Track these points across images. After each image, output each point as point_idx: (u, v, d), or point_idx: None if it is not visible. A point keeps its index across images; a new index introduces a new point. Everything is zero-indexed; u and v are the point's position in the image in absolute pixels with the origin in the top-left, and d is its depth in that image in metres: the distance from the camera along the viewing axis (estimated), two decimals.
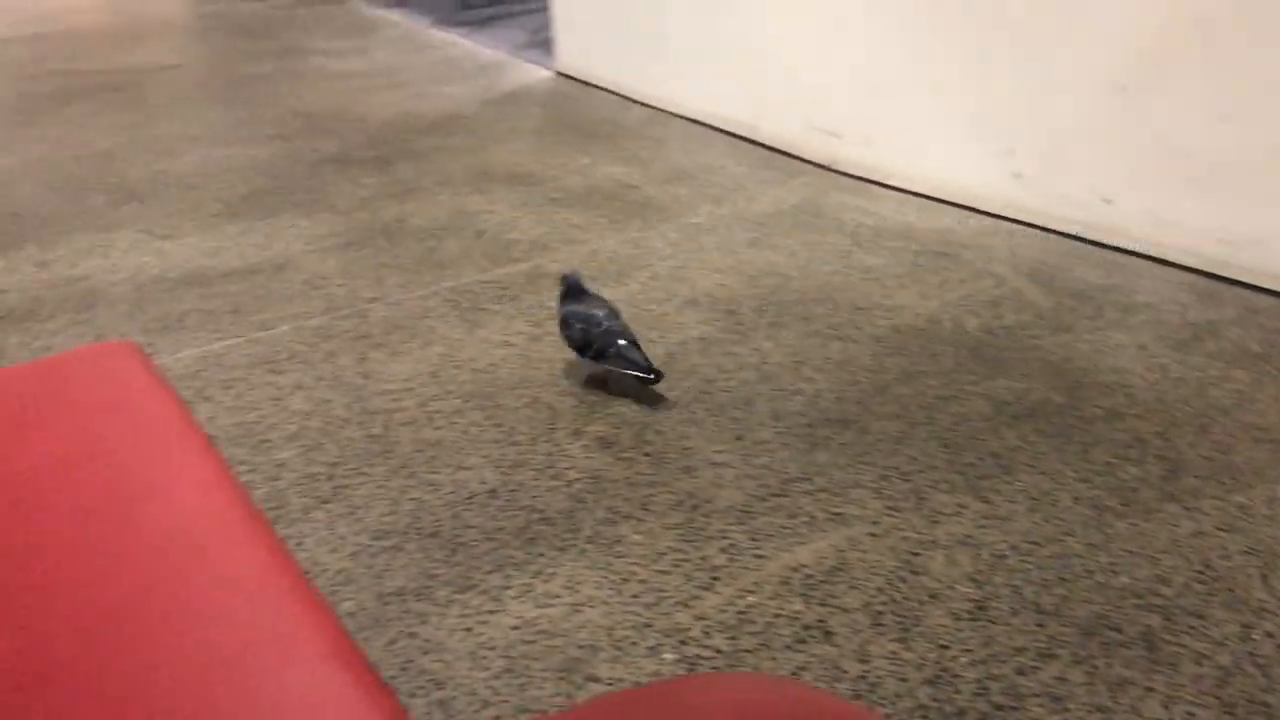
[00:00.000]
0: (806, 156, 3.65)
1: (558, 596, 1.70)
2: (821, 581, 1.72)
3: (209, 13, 6.59)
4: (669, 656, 1.58)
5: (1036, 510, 1.89)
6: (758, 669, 1.58)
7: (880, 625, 1.63)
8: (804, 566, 1.76)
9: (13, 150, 3.98)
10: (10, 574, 1.04)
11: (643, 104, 4.35)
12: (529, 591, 1.71)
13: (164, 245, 3.08)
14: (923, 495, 1.93)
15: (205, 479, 1.20)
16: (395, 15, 6.17)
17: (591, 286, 2.45)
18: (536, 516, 1.89)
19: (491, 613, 1.67)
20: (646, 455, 2.06)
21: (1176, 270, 2.77)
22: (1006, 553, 1.78)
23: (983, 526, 1.85)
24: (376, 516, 1.90)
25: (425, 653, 1.60)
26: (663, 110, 4.25)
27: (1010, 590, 1.70)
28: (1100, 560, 1.76)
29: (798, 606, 1.67)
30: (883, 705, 1.50)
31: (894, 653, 1.58)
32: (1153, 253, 2.84)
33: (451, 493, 1.96)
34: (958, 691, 1.51)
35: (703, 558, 1.78)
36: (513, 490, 1.97)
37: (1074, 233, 2.98)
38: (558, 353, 2.41)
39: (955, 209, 3.20)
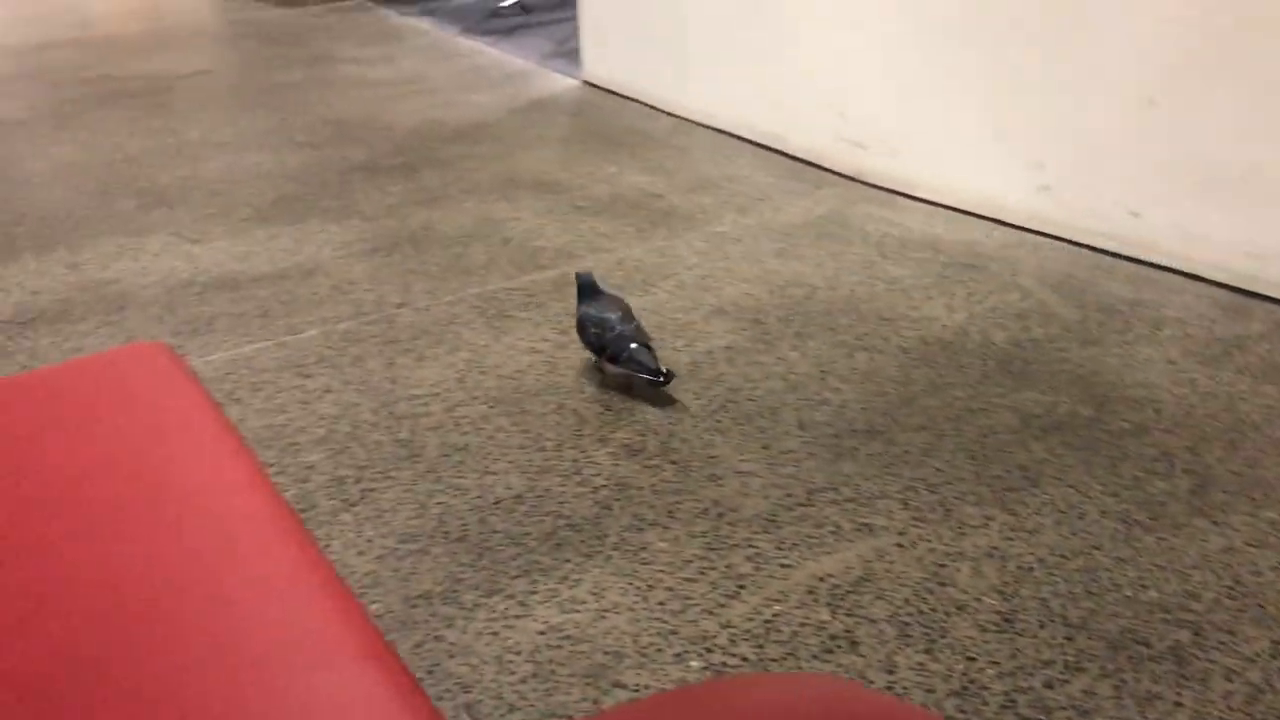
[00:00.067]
0: (833, 167, 3.66)
1: (584, 602, 1.70)
2: (848, 592, 1.72)
3: (240, 20, 6.65)
4: (695, 664, 1.58)
5: (1064, 523, 1.88)
6: None
7: (907, 636, 1.63)
8: (830, 576, 1.76)
9: (45, 154, 4.02)
10: (44, 573, 1.05)
11: (669, 113, 4.36)
12: (555, 597, 1.72)
13: (194, 249, 3.11)
14: (949, 507, 1.93)
15: (239, 479, 1.21)
16: (424, 23, 6.21)
17: (605, 285, 2.48)
18: (563, 522, 1.90)
19: (518, 617, 1.68)
20: (672, 463, 2.07)
21: (1205, 285, 2.76)
22: (1034, 565, 1.78)
23: (1010, 539, 1.84)
24: (403, 520, 1.91)
25: (452, 656, 1.60)
26: (689, 120, 4.26)
27: (1038, 603, 1.70)
28: (1128, 574, 1.75)
29: (824, 616, 1.67)
30: None
31: (920, 664, 1.58)
32: (1181, 267, 2.83)
33: (478, 497, 1.97)
34: (985, 704, 1.51)
35: (728, 566, 1.78)
36: (539, 496, 1.97)
37: (1102, 246, 2.97)
38: (584, 360, 2.42)
39: (982, 221, 3.20)
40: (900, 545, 1.83)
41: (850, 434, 2.15)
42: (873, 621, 1.66)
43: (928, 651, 1.60)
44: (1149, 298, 2.70)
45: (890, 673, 1.56)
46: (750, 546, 1.83)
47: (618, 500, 1.96)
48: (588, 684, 1.54)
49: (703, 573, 1.77)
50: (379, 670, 0.95)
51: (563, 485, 2.00)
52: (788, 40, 3.73)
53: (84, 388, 1.43)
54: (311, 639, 0.98)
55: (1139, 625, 1.65)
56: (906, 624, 1.66)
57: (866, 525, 1.88)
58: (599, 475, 2.03)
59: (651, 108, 4.45)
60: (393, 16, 6.47)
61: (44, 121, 4.49)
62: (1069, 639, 1.62)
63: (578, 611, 1.69)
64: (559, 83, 4.90)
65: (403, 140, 4.10)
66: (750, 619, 1.67)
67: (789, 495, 1.96)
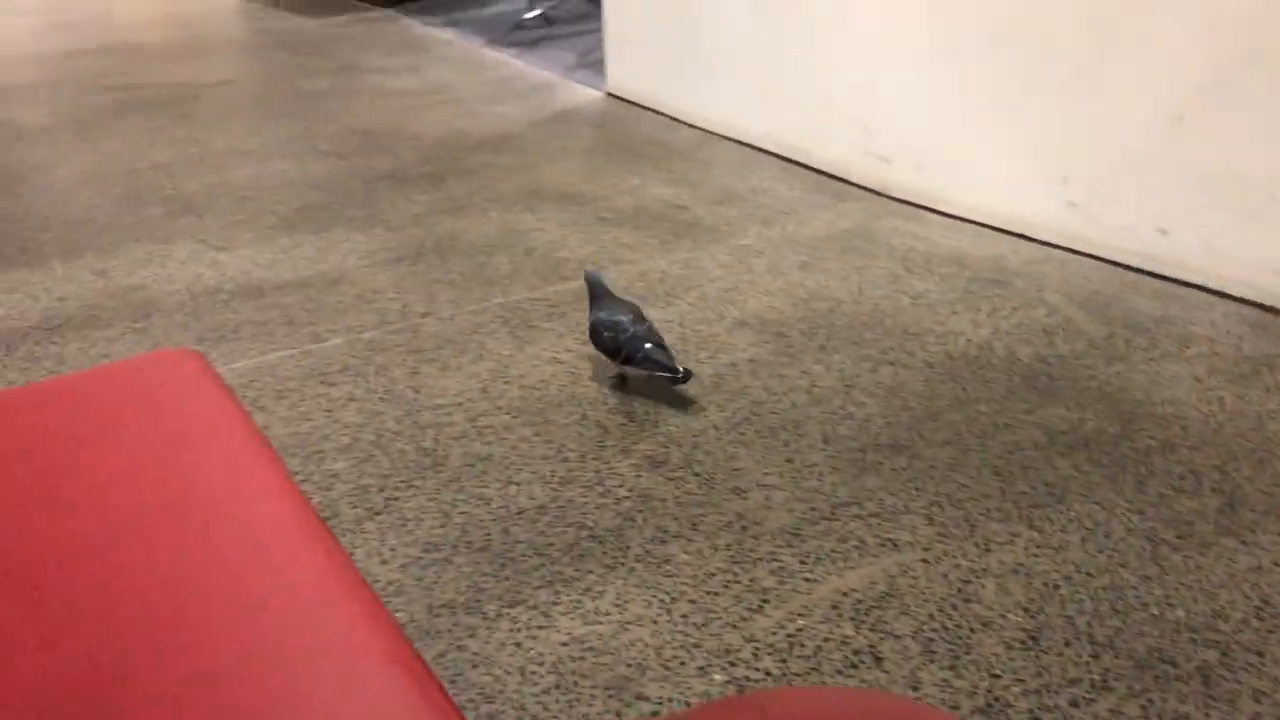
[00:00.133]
0: (857, 181, 3.65)
1: (607, 614, 1.70)
2: (872, 607, 1.71)
3: (266, 29, 6.69)
4: (718, 678, 1.58)
5: (1090, 541, 1.87)
6: None
7: (931, 652, 1.62)
8: (854, 591, 1.75)
9: (73, 161, 4.05)
10: (74, 578, 1.06)
11: (692, 126, 4.36)
12: (578, 608, 1.71)
13: (219, 256, 3.13)
14: (974, 522, 1.92)
15: (268, 486, 1.22)
16: (448, 34, 6.24)
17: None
18: (585, 534, 1.90)
19: (540, 628, 1.67)
20: (696, 475, 2.06)
21: (1233, 302, 2.74)
22: (1059, 582, 1.77)
23: (1035, 555, 1.83)
24: (427, 529, 1.91)
25: (475, 666, 1.60)
26: (713, 133, 4.26)
27: (1063, 620, 1.68)
28: (1155, 593, 1.74)
29: (848, 631, 1.66)
30: None
31: (945, 680, 1.57)
32: (1209, 284, 2.81)
33: (501, 507, 1.97)
34: None
35: (752, 579, 1.78)
36: (562, 507, 1.97)
37: (1128, 263, 2.95)
38: (607, 371, 2.42)
39: (1008, 236, 3.19)
40: (925, 561, 1.82)
41: (875, 448, 2.14)
42: (897, 637, 1.65)
43: (952, 668, 1.59)
44: (1176, 315, 2.68)
45: (914, 689, 1.55)
46: (774, 560, 1.82)
47: (641, 512, 1.96)
48: (610, 696, 1.54)
49: (726, 586, 1.76)
50: (406, 677, 0.95)
51: (585, 496, 2.00)
52: (813, 54, 3.73)
53: (113, 394, 1.44)
54: (340, 646, 0.99)
55: (1166, 645, 1.63)
56: (931, 640, 1.65)
57: (891, 540, 1.87)
58: (622, 486, 2.03)
59: (675, 120, 4.46)
60: (417, 27, 6.50)
61: (71, 129, 4.52)
62: (1095, 657, 1.61)
63: (600, 623, 1.68)
64: (583, 94, 4.92)
65: (428, 150, 4.12)
66: (774, 633, 1.66)
67: (813, 509, 1.96)
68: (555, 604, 1.73)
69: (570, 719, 1.50)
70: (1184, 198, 2.82)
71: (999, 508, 1.96)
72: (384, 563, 1.83)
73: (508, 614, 1.70)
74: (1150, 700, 1.53)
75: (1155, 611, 1.70)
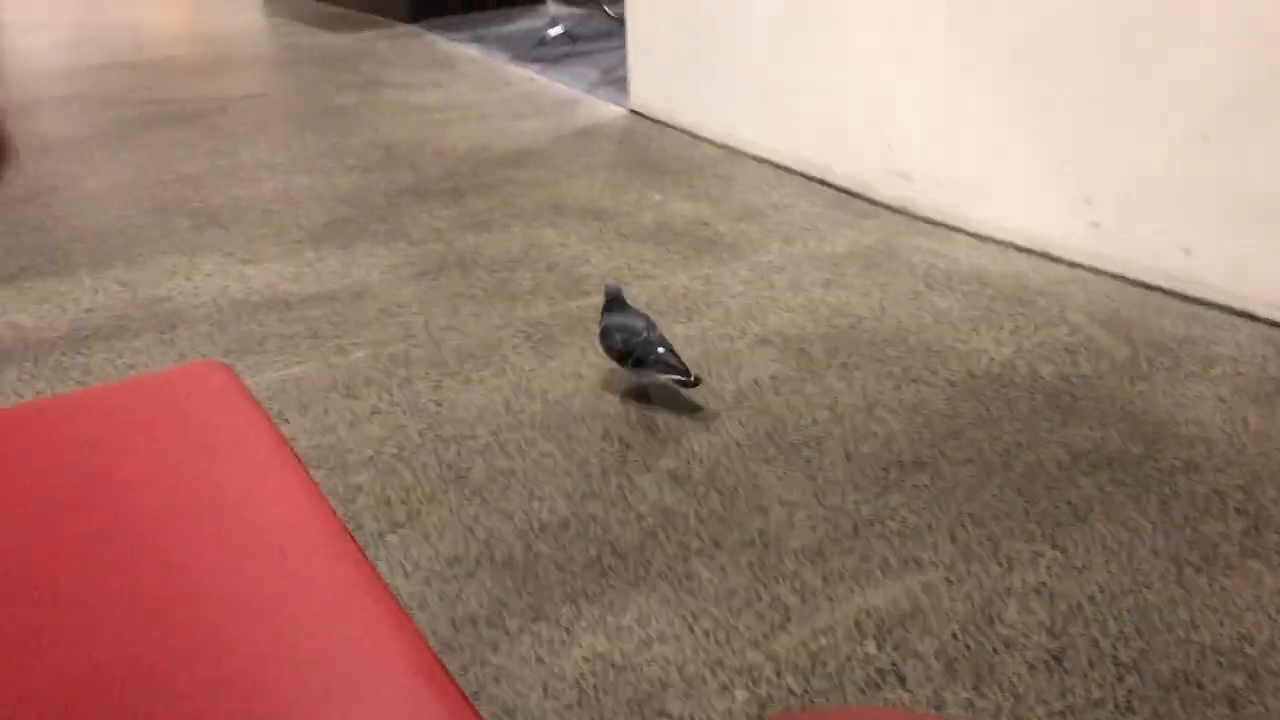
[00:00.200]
0: (879, 199, 3.65)
1: (629, 630, 1.70)
2: (895, 626, 1.71)
3: (293, 44, 6.75)
4: (740, 695, 1.58)
5: (1114, 561, 1.86)
6: None
7: (954, 672, 1.62)
8: (877, 610, 1.75)
9: (102, 173, 4.09)
10: (104, 588, 1.07)
11: (715, 143, 4.38)
12: (600, 624, 1.72)
13: (246, 269, 3.15)
14: (997, 542, 1.91)
15: (296, 496, 1.23)
16: (473, 50, 6.28)
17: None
18: (608, 549, 1.90)
19: (563, 643, 1.68)
20: (718, 491, 2.07)
21: (1258, 323, 2.73)
22: (1083, 603, 1.76)
23: (1059, 576, 1.82)
24: (450, 543, 1.92)
25: (497, 681, 1.61)
26: (734, 149, 4.27)
27: (1087, 641, 1.68)
28: (1180, 615, 1.73)
29: (871, 650, 1.66)
30: None
31: (968, 700, 1.56)
32: (1233, 304, 2.80)
33: (524, 522, 1.98)
34: None
35: (774, 597, 1.78)
36: (584, 522, 1.98)
37: (1152, 283, 2.94)
38: (627, 382, 2.43)
39: (1030, 255, 3.18)
40: (948, 580, 1.82)
41: (897, 466, 2.14)
42: (920, 657, 1.65)
43: (975, 688, 1.59)
44: (1200, 335, 2.67)
45: (938, 709, 1.55)
46: (796, 578, 1.82)
47: (663, 528, 1.96)
48: (632, 712, 1.54)
49: (749, 603, 1.76)
50: (431, 689, 0.96)
51: (608, 511, 2.01)
52: (835, 71, 3.74)
53: (144, 405, 1.45)
54: (365, 657, 0.99)
55: (1191, 667, 1.62)
56: (954, 660, 1.64)
57: (914, 559, 1.87)
58: (644, 502, 2.04)
59: (697, 136, 4.47)
60: (441, 43, 6.55)
61: (100, 141, 4.57)
62: (1119, 679, 1.60)
63: (623, 640, 1.69)
64: (606, 110, 4.94)
65: (452, 165, 4.14)
66: (796, 651, 1.66)
67: (835, 527, 1.95)
68: (578, 619, 1.73)
69: None
70: (1208, 217, 2.81)
71: (1022, 527, 1.95)
72: (407, 576, 1.83)
73: (530, 629, 1.71)
74: None
75: (1180, 634, 1.69)
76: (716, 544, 1.91)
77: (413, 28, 7.02)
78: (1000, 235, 3.29)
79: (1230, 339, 2.65)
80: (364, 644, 1.01)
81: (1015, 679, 1.61)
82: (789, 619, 1.73)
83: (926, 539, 1.92)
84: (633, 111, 4.88)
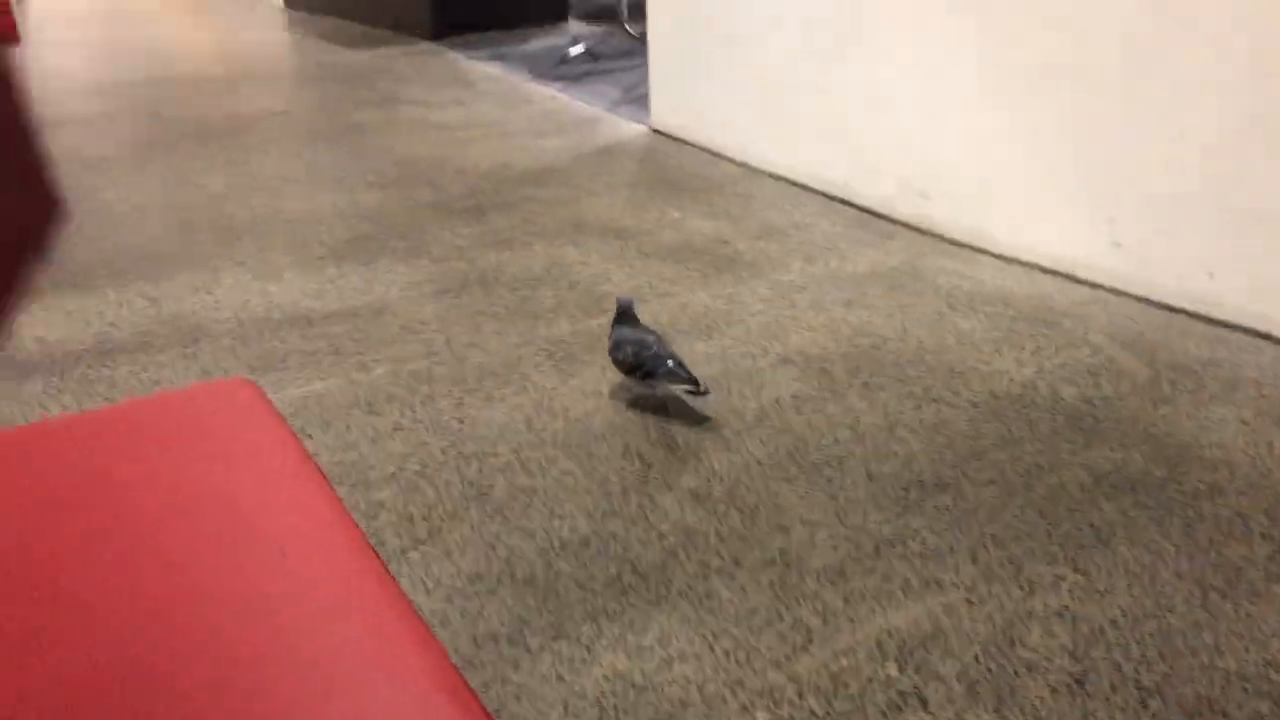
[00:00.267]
0: (901, 219, 3.65)
1: (650, 649, 1.70)
2: (917, 647, 1.70)
3: (316, 63, 6.81)
4: (761, 716, 1.57)
5: (1136, 585, 1.85)
6: None
7: (975, 695, 1.61)
8: (899, 631, 1.74)
9: (126, 189, 4.13)
10: (131, 605, 1.07)
11: (735, 161, 4.39)
12: (621, 643, 1.72)
13: (268, 285, 3.17)
14: (1019, 564, 1.90)
15: (321, 512, 1.23)
16: (494, 68, 6.32)
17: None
18: (628, 568, 1.90)
19: (584, 662, 1.68)
20: (739, 510, 2.07)
21: None
22: (1105, 627, 1.75)
23: (1081, 599, 1.82)
24: (471, 560, 1.92)
25: (518, 699, 1.61)
26: (755, 168, 4.28)
27: (1110, 665, 1.67)
28: (1204, 640, 1.72)
29: (892, 672, 1.65)
30: None
31: None
32: (1257, 326, 2.78)
33: (545, 540, 1.98)
34: None
35: (796, 618, 1.77)
36: (605, 540, 1.98)
37: (1175, 305, 2.93)
38: (642, 397, 2.43)
39: (1053, 276, 3.17)
40: (969, 601, 1.81)
41: (918, 487, 2.14)
42: (941, 679, 1.64)
43: (997, 711, 1.58)
44: (1223, 357, 2.66)
45: None
46: (818, 598, 1.82)
47: (684, 547, 1.96)
48: None
49: (769, 623, 1.76)
50: (454, 706, 0.96)
51: (629, 530, 2.01)
52: (856, 91, 3.75)
53: (170, 421, 1.46)
54: (389, 673, 1.00)
55: (1216, 693, 1.61)
56: (975, 682, 1.64)
57: (935, 580, 1.86)
58: (665, 521, 2.04)
59: (718, 155, 4.48)
60: (462, 61, 6.59)
61: (125, 158, 4.61)
62: (1143, 704, 1.59)
63: (643, 659, 1.68)
64: (627, 129, 4.96)
65: (473, 183, 4.16)
66: (818, 672, 1.65)
67: (857, 547, 1.95)
68: (598, 638, 1.73)
69: None
70: (1232, 240, 2.80)
71: (1044, 549, 1.94)
72: (428, 593, 1.84)
73: (551, 647, 1.71)
74: None
75: (1205, 659, 1.68)
76: (737, 563, 1.91)
77: (434, 46, 7.07)
78: (1023, 256, 3.29)
79: (1254, 361, 2.64)
80: (387, 660, 1.01)
81: (1037, 702, 1.60)
82: (810, 640, 1.72)
83: (948, 560, 1.91)
84: (654, 130, 4.89)
